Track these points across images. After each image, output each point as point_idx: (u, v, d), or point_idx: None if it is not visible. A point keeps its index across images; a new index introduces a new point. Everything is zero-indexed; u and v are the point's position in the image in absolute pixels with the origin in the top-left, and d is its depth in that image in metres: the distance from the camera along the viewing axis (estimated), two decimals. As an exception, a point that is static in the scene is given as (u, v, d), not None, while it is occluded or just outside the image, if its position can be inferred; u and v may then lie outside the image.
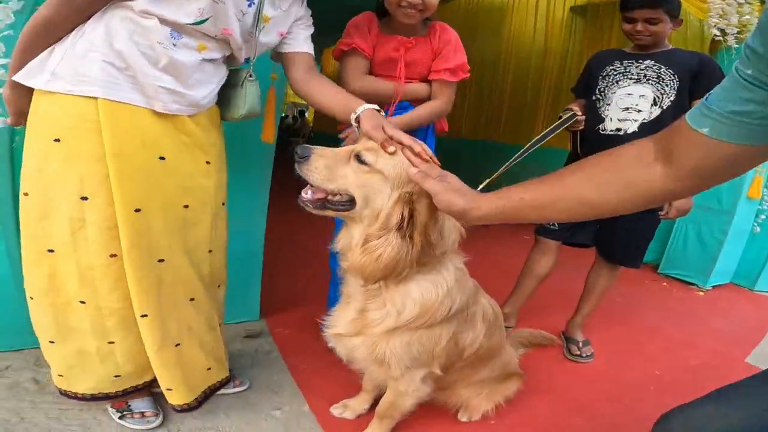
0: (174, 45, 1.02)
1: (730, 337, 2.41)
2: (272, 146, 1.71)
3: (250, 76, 1.21)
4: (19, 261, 1.42)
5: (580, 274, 2.09)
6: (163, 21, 0.98)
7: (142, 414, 1.28)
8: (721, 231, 2.95)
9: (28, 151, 1.03)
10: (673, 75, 1.66)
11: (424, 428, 1.41)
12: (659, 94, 1.68)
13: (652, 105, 1.69)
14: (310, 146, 1.02)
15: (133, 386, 1.25)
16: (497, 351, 1.42)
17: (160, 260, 1.11)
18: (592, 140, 1.80)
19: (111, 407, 1.29)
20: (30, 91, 1.01)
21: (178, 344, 1.19)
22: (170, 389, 1.22)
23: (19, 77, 1.00)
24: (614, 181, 0.73)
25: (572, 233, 1.94)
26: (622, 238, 1.87)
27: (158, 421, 1.29)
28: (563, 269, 2.31)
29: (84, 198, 1.01)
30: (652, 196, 0.71)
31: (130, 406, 1.28)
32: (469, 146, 5.52)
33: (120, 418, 1.27)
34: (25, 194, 1.04)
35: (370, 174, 1.01)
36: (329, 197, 1.04)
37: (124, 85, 0.99)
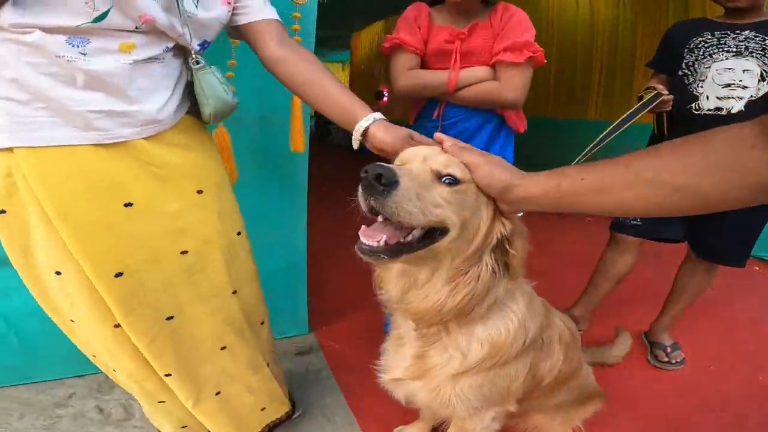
0: (83, 54, 0.75)
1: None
2: (305, 154, 1.62)
3: (196, 62, 0.91)
4: None
5: (662, 263, 1.85)
6: (48, 30, 0.72)
7: None
8: (822, 204, 2.52)
9: None
10: None
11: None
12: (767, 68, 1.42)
13: (759, 80, 1.43)
14: (387, 165, 0.70)
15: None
16: (577, 373, 1.25)
17: (169, 318, 0.93)
18: (686, 121, 1.54)
19: None
20: None
21: (218, 392, 1.07)
22: None
23: None
24: (708, 165, 0.57)
25: (660, 228, 1.68)
26: (723, 232, 1.60)
27: None
28: (643, 257, 2.04)
29: (58, 273, 0.83)
30: (758, 187, 0.55)
31: None
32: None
33: None
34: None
35: (464, 192, 0.76)
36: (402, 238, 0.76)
37: (38, 123, 0.75)
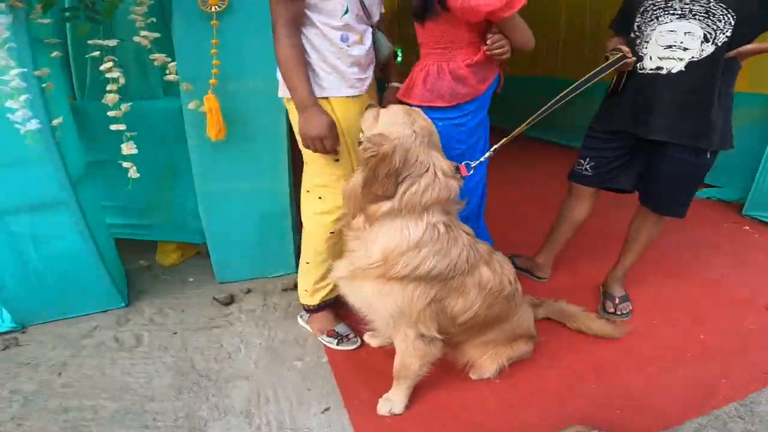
0: (348, 46, 1.36)
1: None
2: (284, 112, 1.78)
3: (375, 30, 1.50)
4: (88, 234, 1.72)
5: (629, 216, 1.92)
6: (328, 26, 1.32)
7: (347, 337, 1.69)
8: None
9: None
10: (726, 9, 1.39)
11: (435, 382, 1.50)
12: (711, 30, 1.43)
13: (702, 42, 1.45)
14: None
15: (333, 296, 1.68)
16: (504, 319, 1.43)
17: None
18: (633, 79, 1.62)
19: (327, 336, 1.70)
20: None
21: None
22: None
23: (284, 95, 1.43)
24: None
25: (611, 177, 1.80)
26: (663, 185, 1.69)
27: (359, 341, 1.70)
28: (610, 209, 2.09)
29: (337, 160, 1.44)
30: None
31: (338, 332, 1.70)
32: (525, 83, 5.07)
33: (338, 344, 1.68)
34: (306, 163, 1.51)
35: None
36: None
37: (339, 85, 1.39)
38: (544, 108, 1.45)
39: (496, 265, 1.32)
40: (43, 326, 1.80)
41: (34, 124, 1.42)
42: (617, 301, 1.91)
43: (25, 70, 1.38)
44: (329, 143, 1.33)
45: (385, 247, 1.17)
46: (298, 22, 1.30)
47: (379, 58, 1.54)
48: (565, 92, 1.48)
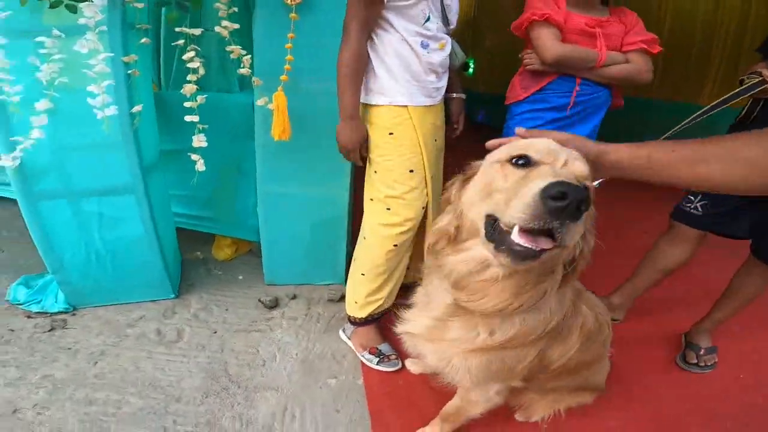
0: (428, 52, 1.35)
1: None
2: None
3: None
4: (151, 223, 1.71)
5: (728, 264, 1.66)
6: (409, 32, 1.30)
7: (389, 357, 1.58)
8: None
9: (373, 144, 1.42)
10: None
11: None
12: None
13: None
14: (579, 187, 0.61)
15: (381, 311, 1.60)
16: (589, 365, 1.23)
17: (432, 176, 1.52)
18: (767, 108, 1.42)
19: (369, 353, 1.59)
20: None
21: None
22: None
23: (363, 100, 1.39)
24: None
25: (725, 221, 1.53)
26: None
27: (400, 364, 1.58)
28: (706, 251, 1.79)
29: (411, 171, 1.42)
30: None
31: (380, 350, 1.59)
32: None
33: (378, 363, 1.57)
34: (375, 172, 1.44)
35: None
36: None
37: (417, 93, 1.37)
38: (671, 132, 1.29)
39: (592, 303, 1.14)
40: (94, 310, 1.82)
41: (112, 110, 1.41)
42: (702, 352, 1.66)
43: (112, 54, 1.39)
44: (355, 156, 1.40)
45: (521, 329, 0.92)
46: (371, 26, 1.29)
47: (451, 67, 1.52)
48: (691, 118, 1.33)
